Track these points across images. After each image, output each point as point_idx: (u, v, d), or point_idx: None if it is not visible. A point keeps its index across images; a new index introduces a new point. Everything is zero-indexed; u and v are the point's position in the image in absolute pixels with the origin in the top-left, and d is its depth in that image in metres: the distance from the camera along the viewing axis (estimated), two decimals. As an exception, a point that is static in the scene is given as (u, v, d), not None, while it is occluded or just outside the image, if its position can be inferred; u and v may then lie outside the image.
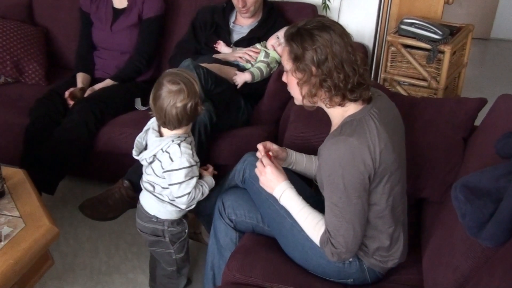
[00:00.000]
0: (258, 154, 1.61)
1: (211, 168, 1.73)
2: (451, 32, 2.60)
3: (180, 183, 1.57)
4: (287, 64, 1.44)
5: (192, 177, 1.58)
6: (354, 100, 1.41)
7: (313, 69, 1.38)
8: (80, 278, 2.05)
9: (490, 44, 4.57)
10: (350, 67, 1.37)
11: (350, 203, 1.37)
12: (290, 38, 1.41)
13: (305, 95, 1.43)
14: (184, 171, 1.56)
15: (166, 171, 1.58)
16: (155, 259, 1.87)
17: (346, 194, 1.36)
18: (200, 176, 1.66)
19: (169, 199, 1.65)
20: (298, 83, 1.42)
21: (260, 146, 1.61)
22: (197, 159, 1.60)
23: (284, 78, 1.50)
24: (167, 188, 1.62)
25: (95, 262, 2.13)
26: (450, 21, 2.79)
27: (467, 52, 2.78)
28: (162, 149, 1.57)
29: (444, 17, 2.82)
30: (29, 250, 1.50)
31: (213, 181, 1.68)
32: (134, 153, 1.65)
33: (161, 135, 1.62)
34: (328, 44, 1.35)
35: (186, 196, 1.58)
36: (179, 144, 1.56)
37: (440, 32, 2.51)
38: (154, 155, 1.59)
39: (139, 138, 1.66)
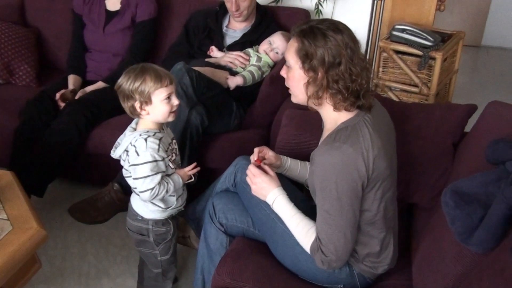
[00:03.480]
0: (251, 157, 1.60)
1: (191, 166, 1.70)
2: (442, 39, 2.62)
3: (145, 177, 1.56)
4: (294, 61, 1.39)
5: (157, 173, 1.57)
6: (362, 106, 1.39)
7: (322, 69, 1.35)
8: (68, 282, 2.03)
9: (481, 51, 4.60)
10: (364, 72, 1.36)
11: (343, 211, 1.36)
12: (301, 35, 1.36)
13: (310, 96, 1.40)
14: (148, 166, 1.55)
15: (132, 165, 1.58)
16: (143, 261, 1.86)
17: (339, 202, 1.36)
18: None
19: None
20: (304, 83, 1.39)
21: (256, 150, 1.61)
22: (164, 155, 1.58)
23: (283, 72, 1.46)
24: (136, 188, 1.61)
25: (83, 266, 2.11)
26: (441, 28, 2.81)
27: (458, 59, 2.81)
28: (131, 143, 1.58)
29: (436, 24, 2.84)
30: (16, 253, 1.48)
31: (180, 180, 1.65)
32: (111, 152, 1.65)
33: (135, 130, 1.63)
34: (342, 46, 1.33)
35: (150, 191, 1.57)
36: (145, 139, 1.56)
37: (432, 39, 2.53)
38: (126, 151, 1.60)
39: (119, 140, 1.66)
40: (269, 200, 1.53)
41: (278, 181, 1.54)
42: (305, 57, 1.36)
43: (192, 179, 1.71)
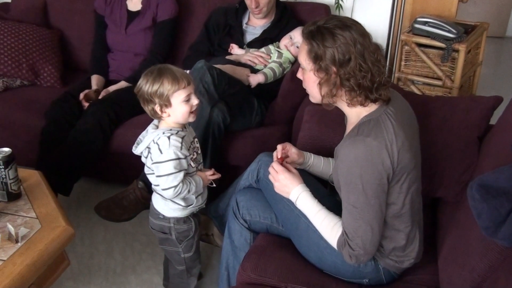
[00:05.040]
0: (274, 154, 1.61)
1: (211, 171, 1.72)
2: (466, 30, 2.58)
3: (168, 175, 1.57)
4: (306, 63, 1.41)
5: (180, 170, 1.58)
6: (376, 100, 1.39)
7: (334, 69, 1.36)
8: (95, 279, 2.06)
9: (506, 42, 4.51)
10: (375, 67, 1.36)
11: (369, 204, 1.36)
12: (310, 37, 1.38)
13: (324, 95, 1.41)
14: (172, 163, 1.57)
15: (155, 162, 1.59)
16: (168, 258, 1.88)
17: (364, 195, 1.35)
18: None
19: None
20: (318, 83, 1.40)
21: (279, 147, 1.61)
22: (186, 153, 1.59)
23: (299, 75, 1.49)
24: (157, 185, 1.63)
25: (110, 262, 2.14)
26: (464, 19, 2.76)
27: (482, 51, 2.75)
28: (153, 140, 1.59)
29: (459, 16, 2.79)
30: (45, 250, 1.52)
31: (201, 181, 1.67)
32: (133, 148, 1.67)
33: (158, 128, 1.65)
34: (350, 43, 1.33)
35: (173, 189, 1.58)
36: (168, 137, 1.57)
37: (455, 31, 2.48)
38: (148, 148, 1.61)
39: (141, 136, 1.68)
40: (292, 197, 1.53)
41: (301, 178, 1.54)
42: (316, 59, 1.37)
43: (213, 184, 1.73)
